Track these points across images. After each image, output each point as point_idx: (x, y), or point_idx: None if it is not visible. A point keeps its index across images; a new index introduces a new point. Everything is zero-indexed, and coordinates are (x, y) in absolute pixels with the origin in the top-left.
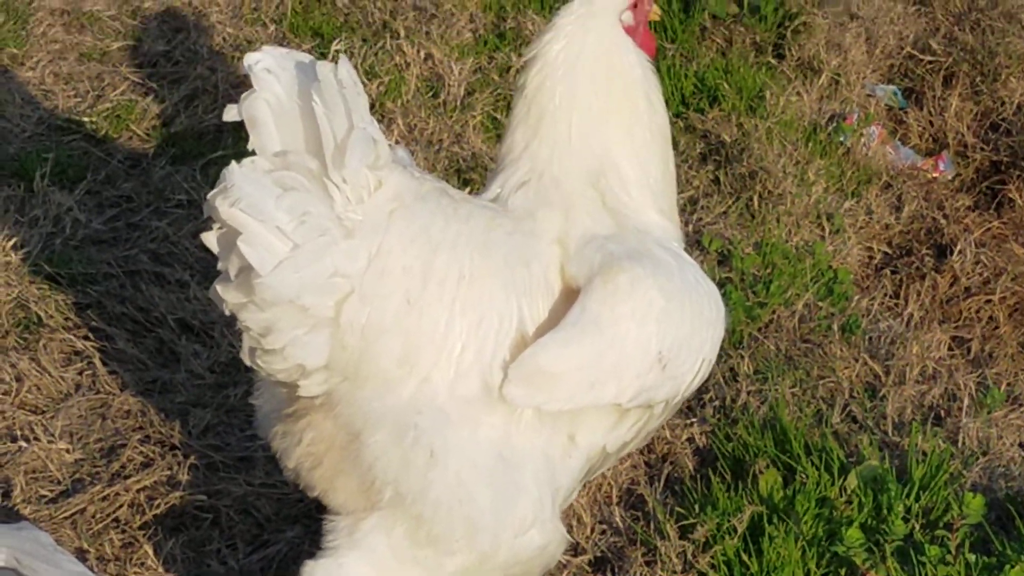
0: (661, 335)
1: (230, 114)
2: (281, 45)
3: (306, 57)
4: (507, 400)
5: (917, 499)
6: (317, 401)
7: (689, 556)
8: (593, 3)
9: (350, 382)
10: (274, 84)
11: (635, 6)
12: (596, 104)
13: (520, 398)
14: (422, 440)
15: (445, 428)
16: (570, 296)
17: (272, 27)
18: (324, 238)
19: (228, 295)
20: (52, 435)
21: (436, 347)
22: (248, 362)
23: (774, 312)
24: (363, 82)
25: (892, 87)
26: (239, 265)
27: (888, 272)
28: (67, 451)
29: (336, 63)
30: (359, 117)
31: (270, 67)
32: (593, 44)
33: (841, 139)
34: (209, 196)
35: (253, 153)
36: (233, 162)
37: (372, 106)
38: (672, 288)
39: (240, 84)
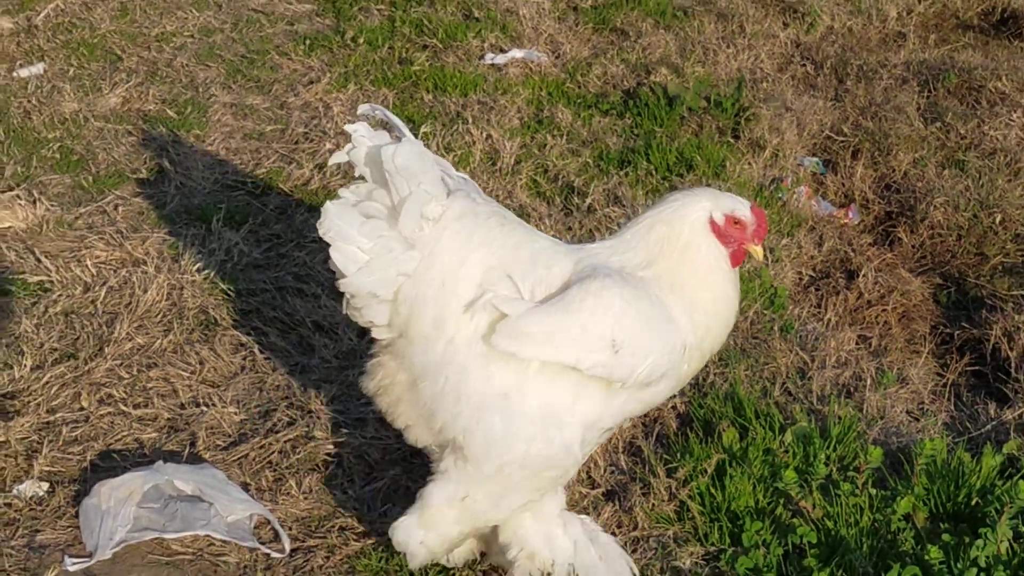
0: (615, 327)
1: (337, 158)
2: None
3: (385, 138)
4: (491, 346)
5: (834, 450)
6: (386, 347)
7: (673, 489)
8: (693, 196)
9: (405, 339)
10: (365, 141)
11: (735, 222)
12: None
13: (500, 345)
14: (448, 387)
15: (466, 377)
16: None
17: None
18: (391, 253)
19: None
20: (224, 402)
21: (458, 316)
22: (345, 312)
23: None
24: (442, 154)
25: (815, 159)
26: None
27: (813, 289)
28: (235, 414)
29: (398, 144)
30: (417, 182)
31: (363, 133)
32: (678, 220)
33: (779, 195)
34: (317, 223)
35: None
36: (328, 201)
37: None
38: (633, 300)
39: None
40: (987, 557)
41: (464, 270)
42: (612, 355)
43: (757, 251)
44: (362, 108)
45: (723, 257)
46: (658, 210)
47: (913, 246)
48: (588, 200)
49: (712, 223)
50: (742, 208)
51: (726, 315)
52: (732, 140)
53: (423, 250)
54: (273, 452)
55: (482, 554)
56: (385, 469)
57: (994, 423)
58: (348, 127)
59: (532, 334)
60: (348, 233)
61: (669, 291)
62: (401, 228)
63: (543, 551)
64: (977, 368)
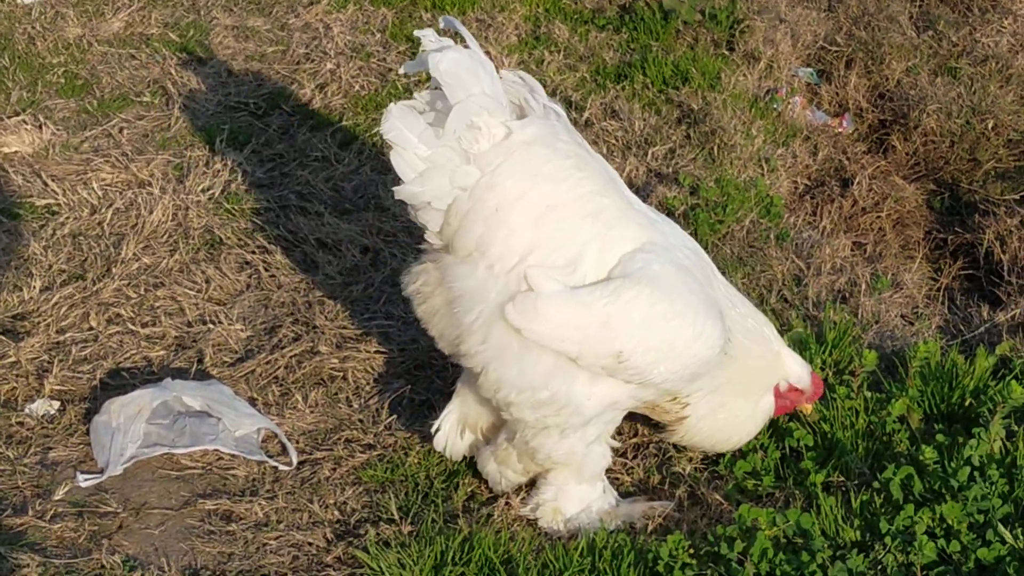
0: (625, 341)
1: (408, 67)
2: (384, 48)
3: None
4: (502, 314)
5: (830, 354)
6: (434, 255)
7: None
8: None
9: (451, 253)
10: (432, 45)
11: (793, 391)
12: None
13: (511, 316)
14: (478, 325)
15: (495, 322)
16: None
17: (378, 35)
18: (448, 164)
19: None
20: (230, 319)
21: (501, 243)
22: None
23: (729, 227)
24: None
25: (810, 69)
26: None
27: (808, 198)
28: (241, 330)
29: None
30: (467, 92)
31: (432, 38)
32: (751, 361)
33: (775, 106)
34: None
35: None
36: (392, 103)
37: None
38: (663, 319)
39: (357, 74)
40: (980, 456)
41: (522, 201)
42: (616, 363)
43: (807, 409)
44: (441, 20)
45: (769, 410)
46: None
47: (907, 153)
48: (586, 114)
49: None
50: (805, 378)
51: (736, 441)
52: (727, 52)
53: (484, 168)
54: (279, 367)
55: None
56: (389, 382)
57: (987, 325)
58: (418, 32)
59: (546, 316)
60: (408, 138)
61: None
62: (445, 135)
63: (573, 513)
64: (970, 272)
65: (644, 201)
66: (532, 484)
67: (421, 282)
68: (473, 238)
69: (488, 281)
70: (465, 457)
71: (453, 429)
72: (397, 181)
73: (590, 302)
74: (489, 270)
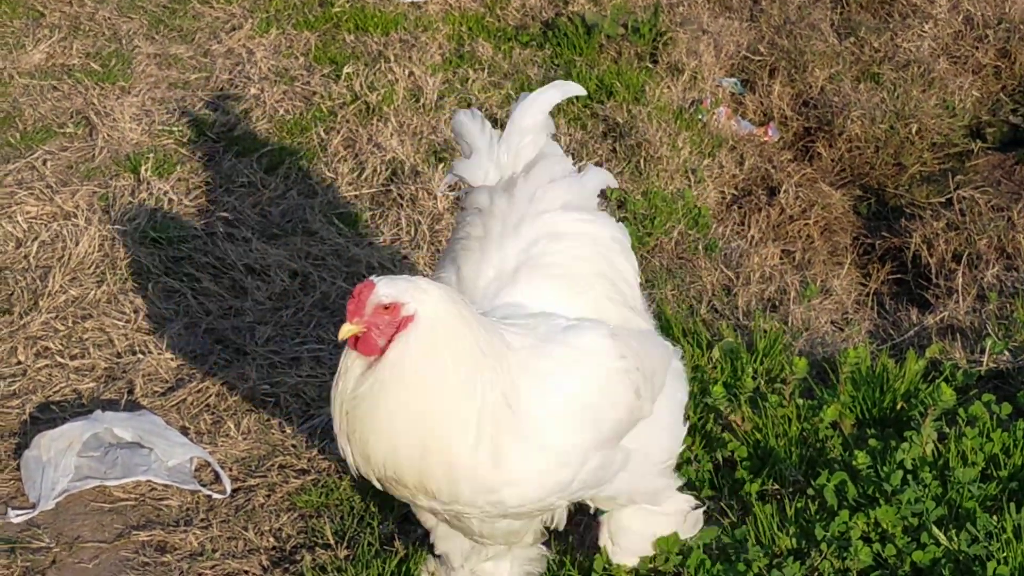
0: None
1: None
2: (308, 71)
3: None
4: None
5: (761, 363)
6: None
7: None
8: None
9: None
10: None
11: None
12: None
13: None
14: None
15: None
16: None
17: (301, 59)
18: None
19: None
20: (160, 349)
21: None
22: None
23: (657, 239)
24: (365, 93)
25: (733, 79)
26: None
27: (736, 207)
28: (171, 359)
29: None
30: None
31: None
32: None
33: (700, 117)
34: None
35: None
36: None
37: (371, 110)
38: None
39: (282, 98)
40: (913, 459)
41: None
42: None
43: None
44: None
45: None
46: None
47: (832, 160)
48: None
49: None
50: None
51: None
52: (651, 65)
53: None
54: (210, 395)
55: None
56: (321, 406)
57: (916, 328)
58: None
59: None
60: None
61: None
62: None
63: None
64: (899, 276)
65: None
66: None
67: None
68: None
69: None
70: None
71: None
72: None
73: None
74: None
